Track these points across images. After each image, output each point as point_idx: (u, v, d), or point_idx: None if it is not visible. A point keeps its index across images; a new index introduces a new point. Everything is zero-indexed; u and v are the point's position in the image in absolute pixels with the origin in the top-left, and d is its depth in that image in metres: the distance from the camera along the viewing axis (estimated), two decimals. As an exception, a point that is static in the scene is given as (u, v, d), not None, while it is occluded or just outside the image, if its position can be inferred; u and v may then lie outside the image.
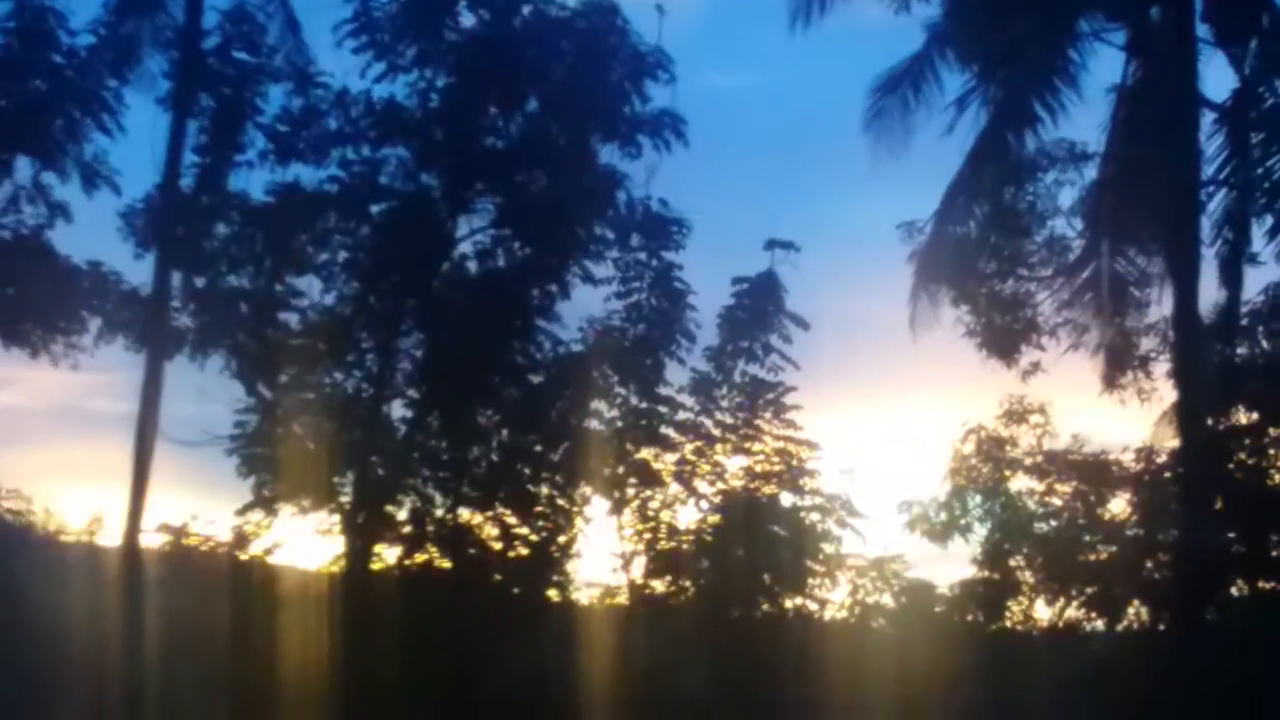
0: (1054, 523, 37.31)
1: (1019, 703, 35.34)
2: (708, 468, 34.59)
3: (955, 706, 35.02)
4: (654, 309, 34.01)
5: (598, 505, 34.10)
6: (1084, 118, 32.73)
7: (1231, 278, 33.13)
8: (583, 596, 35.35)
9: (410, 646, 31.85)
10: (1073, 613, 36.95)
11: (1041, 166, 36.50)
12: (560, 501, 33.92)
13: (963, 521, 37.17)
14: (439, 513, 33.47)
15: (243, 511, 32.75)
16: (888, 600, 37.19)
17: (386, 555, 33.45)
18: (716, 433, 34.67)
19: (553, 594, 34.40)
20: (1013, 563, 37.10)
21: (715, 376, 34.53)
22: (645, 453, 34.30)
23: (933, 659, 34.94)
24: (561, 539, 33.90)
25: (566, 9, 32.85)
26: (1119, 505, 37.05)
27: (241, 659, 32.62)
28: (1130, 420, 37.33)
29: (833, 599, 35.94)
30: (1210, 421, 32.78)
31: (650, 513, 34.33)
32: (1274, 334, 35.65)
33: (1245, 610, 34.18)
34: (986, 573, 36.97)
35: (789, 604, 34.99)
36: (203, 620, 33.13)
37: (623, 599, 34.91)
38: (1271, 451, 35.51)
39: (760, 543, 34.11)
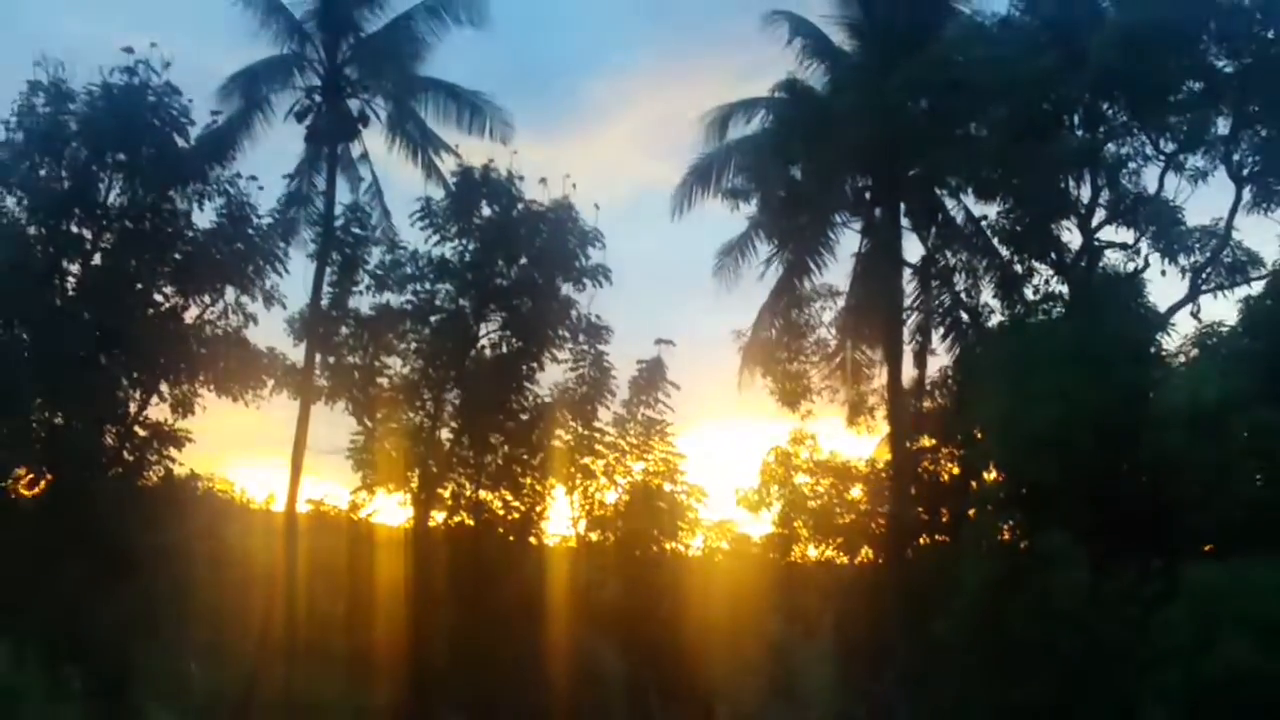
0: (819, 501, 42.96)
1: (800, 604, 42.04)
2: (622, 468, 41.18)
3: (762, 606, 42.26)
4: (592, 378, 40.43)
5: (560, 491, 40.89)
6: (837, 269, 42.26)
7: (920, 363, 41.91)
8: (550, 542, 41.98)
9: (450, 572, 39.69)
10: (830, 553, 42.96)
11: (813, 299, 42.89)
12: (538, 488, 40.40)
13: (767, 500, 43.01)
14: (467, 493, 39.94)
15: (354, 492, 40.04)
16: (725, 545, 43.80)
17: (437, 517, 40.16)
18: (627, 448, 41.10)
19: (532, 541, 40.92)
20: (795, 524, 42.72)
21: (626, 416, 41.06)
22: (586, 460, 40.71)
23: (750, 580, 42.63)
24: (538, 509, 40.57)
25: (542, 205, 39.19)
26: (857, 492, 43.10)
27: (353, 578, 40.34)
28: (864, 443, 44.19)
29: (693, 544, 42.68)
30: (907, 444, 41.28)
31: (589, 494, 41.01)
32: (945, 395, 41.55)
33: (927, 553, 40.19)
34: (781, 530, 42.91)
35: (668, 546, 41.27)
36: (331, 555, 40.71)
37: (572, 544, 41.50)
38: (942, 461, 41.65)
39: (652, 511, 40.65)
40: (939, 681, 35.02)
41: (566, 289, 40.07)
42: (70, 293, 36.31)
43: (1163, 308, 37.41)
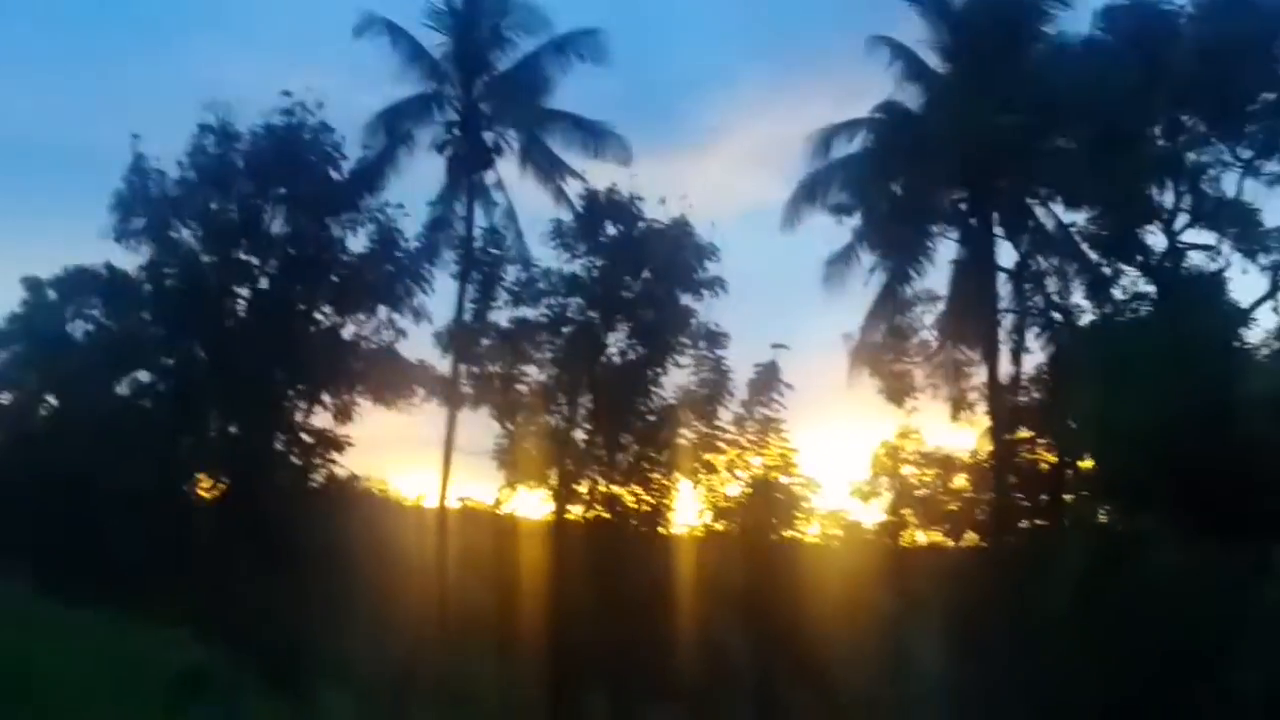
0: (925, 490, 42.93)
1: (910, 586, 41.25)
2: (741, 463, 40.58)
3: (875, 588, 41.35)
4: (712, 381, 40.06)
5: (685, 485, 40.64)
6: (937, 275, 40.93)
7: (1017, 361, 40.86)
8: (678, 532, 41.46)
9: (588, 562, 39.36)
10: (937, 538, 43.10)
11: (914, 303, 41.74)
12: (665, 482, 40.26)
13: (877, 490, 43.14)
14: (601, 488, 39.84)
15: (499, 489, 40.41)
16: (839, 532, 43.48)
17: (574, 511, 39.99)
18: (746, 444, 40.46)
19: (661, 531, 40.71)
20: (904, 512, 42.85)
21: (744, 415, 40.41)
22: (709, 456, 40.26)
23: (864, 564, 42.04)
24: (666, 502, 40.41)
25: (662, 223, 39.10)
26: (960, 480, 42.79)
27: (499, 569, 40.62)
28: (966, 435, 43.07)
29: (809, 532, 42.24)
30: (1006, 436, 40.29)
31: (712, 487, 40.63)
32: (1040, 390, 40.67)
33: (1027, 537, 39.68)
34: (891, 517, 42.93)
35: (787, 534, 40.79)
36: (478, 548, 41.11)
37: (698, 533, 41.09)
38: (1039, 451, 40.57)
39: (770, 502, 40.41)
40: (1040, 655, 34.18)
41: (686, 299, 39.82)
42: (241, 314, 37.47)
43: (1245, 304, 36.86)
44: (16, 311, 44.96)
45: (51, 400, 44.90)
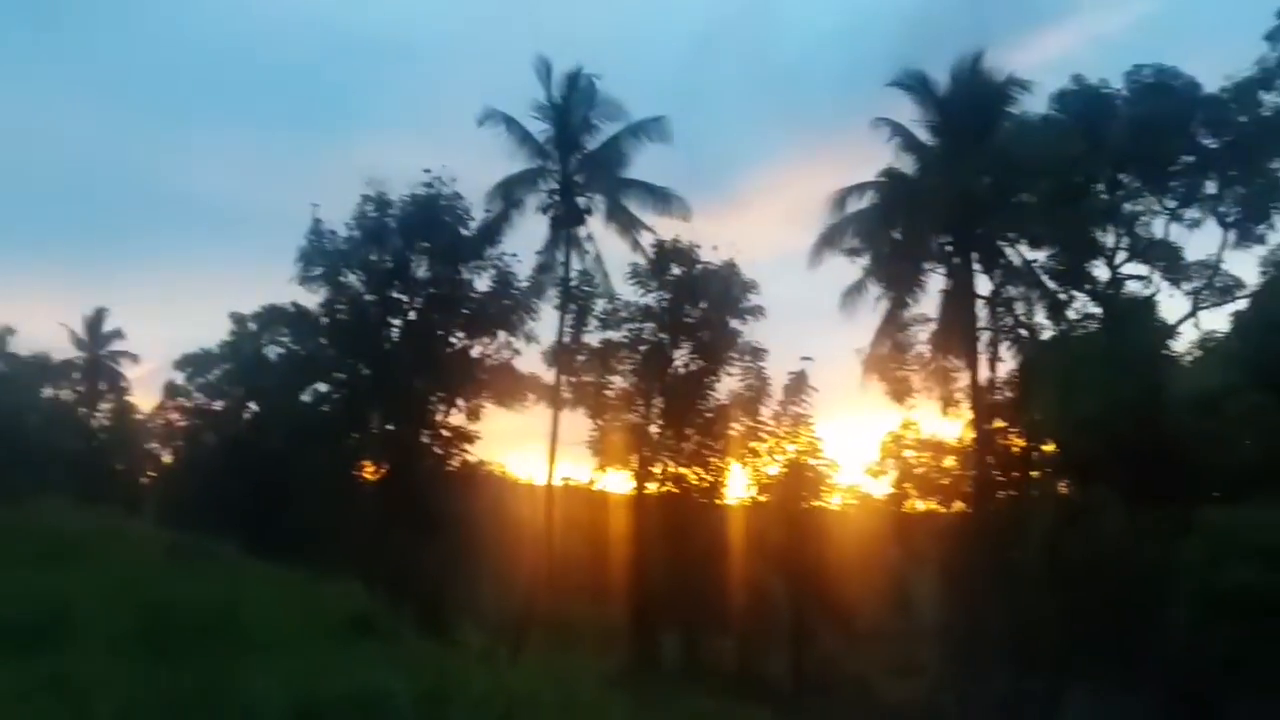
0: (923, 468, 42.15)
1: (911, 543, 41.47)
2: (779, 449, 41.84)
3: (884, 545, 41.63)
4: (755, 386, 41.46)
5: (736, 466, 41.84)
6: (928, 302, 41.45)
7: (992, 368, 40.63)
8: (730, 503, 42.63)
9: (661, 527, 40.05)
10: (933, 506, 42.91)
11: (911, 324, 40.86)
12: (720, 464, 41.55)
13: (885, 469, 42.83)
14: (671, 469, 40.82)
15: (592, 471, 42.68)
16: (855, 502, 44.48)
17: (650, 487, 40.49)
18: (782, 435, 41.96)
19: (718, 502, 41.86)
20: (906, 485, 42.55)
21: (781, 412, 42.07)
22: (753, 444, 41.68)
23: (875, 527, 42.76)
24: (721, 480, 41.62)
25: (715, 265, 40.57)
26: (950, 461, 42.11)
27: (593, 533, 41.86)
28: (953, 425, 42.16)
29: (832, 502, 43.13)
30: (985, 426, 39.97)
31: (756, 468, 42.18)
32: (1012, 390, 38.84)
33: (1003, 505, 38.83)
34: (895, 490, 42.81)
35: (815, 504, 41.58)
36: (577, 517, 42.54)
37: (746, 504, 42.45)
38: (1011, 438, 39.47)
39: (802, 479, 41.26)
40: (1014, 596, 35.56)
41: (734, 323, 41.94)
42: (395, 339, 39.53)
43: (1171, 321, 38.57)
44: (226, 339, 49.25)
45: (253, 406, 49.37)
